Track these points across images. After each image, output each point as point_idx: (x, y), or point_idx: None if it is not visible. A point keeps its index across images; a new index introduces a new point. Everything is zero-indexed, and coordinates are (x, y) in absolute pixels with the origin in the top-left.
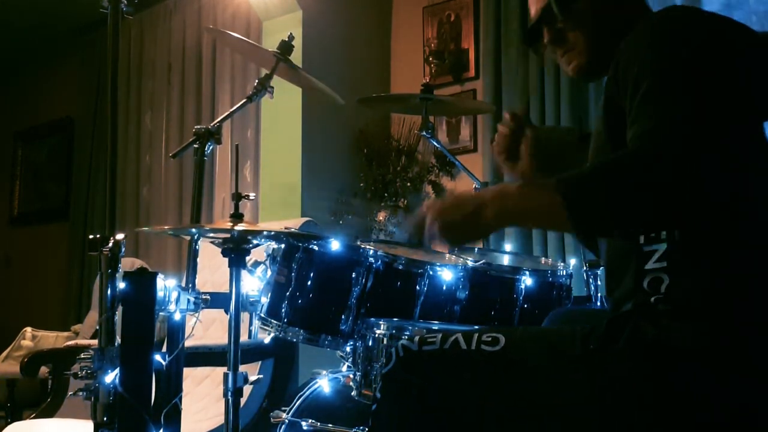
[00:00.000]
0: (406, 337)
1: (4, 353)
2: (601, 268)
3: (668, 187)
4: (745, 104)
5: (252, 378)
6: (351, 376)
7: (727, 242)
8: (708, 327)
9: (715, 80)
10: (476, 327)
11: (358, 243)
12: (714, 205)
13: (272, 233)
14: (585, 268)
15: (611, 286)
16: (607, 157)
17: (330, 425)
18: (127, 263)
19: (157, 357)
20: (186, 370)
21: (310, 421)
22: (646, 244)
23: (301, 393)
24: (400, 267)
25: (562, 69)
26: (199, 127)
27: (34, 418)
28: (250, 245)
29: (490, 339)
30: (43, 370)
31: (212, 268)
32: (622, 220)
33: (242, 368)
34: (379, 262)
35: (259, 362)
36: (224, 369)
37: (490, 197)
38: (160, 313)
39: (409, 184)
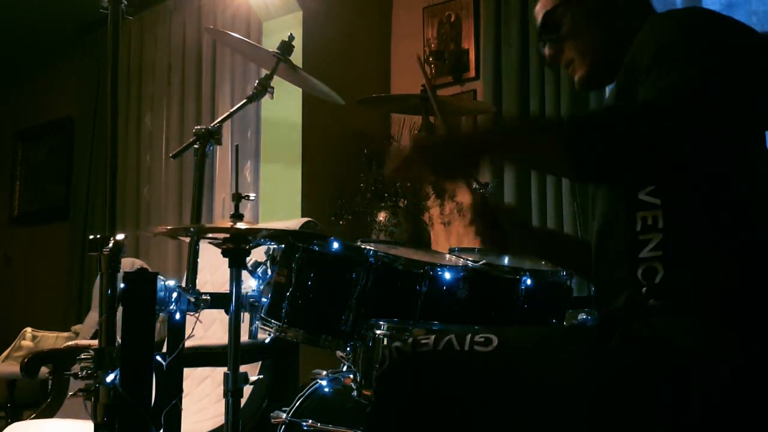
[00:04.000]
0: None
1: (4, 353)
2: None
3: (672, 137)
4: (753, 100)
5: (252, 378)
6: (351, 376)
7: (723, 235)
8: (700, 322)
9: (731, 66)
10: (476, 327)
11: (358, 243)
12: (709, 178)
13: (272, 232)
14: None
15: (602, 277)
16: (623, 102)
17: (330, 425)
18: (127, 263)
19: (157, 357)
20: (186, 370)
21: (310, 421)
22: (642, 232)
23: (301, 393)
24: (400, 267)
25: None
26: (199, 127)
27: (34, 418)
28: (250, 245)
29: (482, 339)
30: (43, 370)
31: (212, 269)
32: (623, 162)
33: (242, 368)
34: (380, 263)
35: (259, 362)
36: (224, 369)
37: (492, 120)
38: (161, 314)
39: (409, 184)
